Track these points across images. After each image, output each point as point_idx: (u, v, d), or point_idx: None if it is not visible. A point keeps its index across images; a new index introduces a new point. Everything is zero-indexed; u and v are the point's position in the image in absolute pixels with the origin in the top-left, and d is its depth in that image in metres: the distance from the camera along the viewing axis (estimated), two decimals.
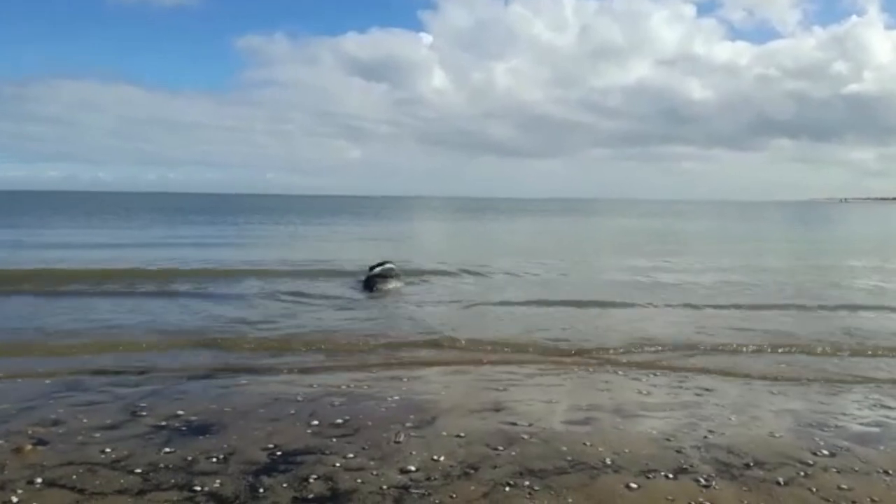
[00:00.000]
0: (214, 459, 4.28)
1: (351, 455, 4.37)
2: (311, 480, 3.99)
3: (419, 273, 14.29)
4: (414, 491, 3.88)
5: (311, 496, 3.81)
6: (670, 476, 4.13)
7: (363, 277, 12.83)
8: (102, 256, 16.95)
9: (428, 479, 4.04)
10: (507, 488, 3.93)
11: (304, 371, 6.58)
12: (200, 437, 4.69)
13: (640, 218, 58.98)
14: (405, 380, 6.31)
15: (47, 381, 6.03)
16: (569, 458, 4.37)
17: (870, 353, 7.72)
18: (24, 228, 31.44)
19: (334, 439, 4.66)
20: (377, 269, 12.98)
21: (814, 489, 3.99)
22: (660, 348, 7.73)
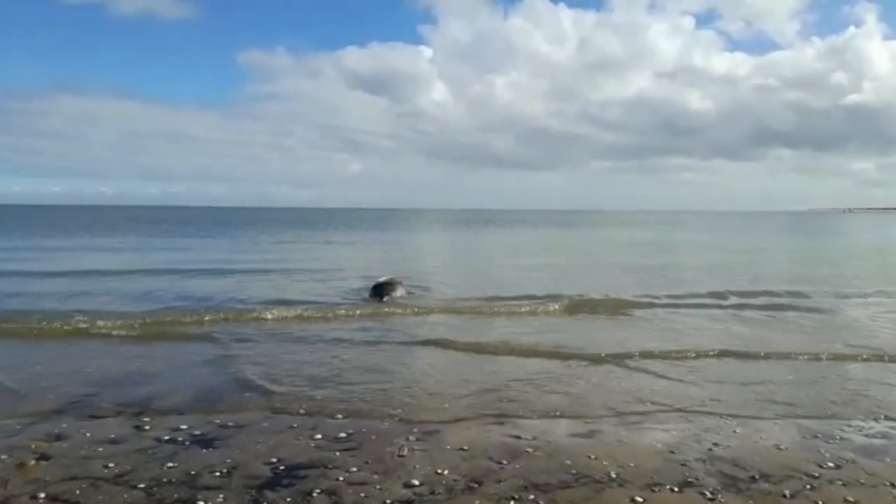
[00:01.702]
0: (218, 474, 4.27)
1: (354, 469, 4.36)
2: (315, 495, 3.97)
3: (425, 291, 14.19)
4: None
5: None
6: (676, 489, 4.11)
7: (369, 290, 12.93)
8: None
9: (432, 493, 4.02)
10: (512, 502, 3.91)
11: (308, 383, 6.56)
12: (204, 451, 4.68)
13: (644, 230, 58.17)
14: (409, 391, 6.29)
15: (50, 397, 6.02)
16: (573, 472, 4.35)
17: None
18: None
19: (337, 453, 4.65)
20: (382, 280, 13.10)
21: (820, 502, 3.97)
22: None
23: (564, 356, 7.84)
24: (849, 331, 9.89)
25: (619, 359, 7.63)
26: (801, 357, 7.87)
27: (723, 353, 7.99)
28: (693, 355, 7.88)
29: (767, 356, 7.92)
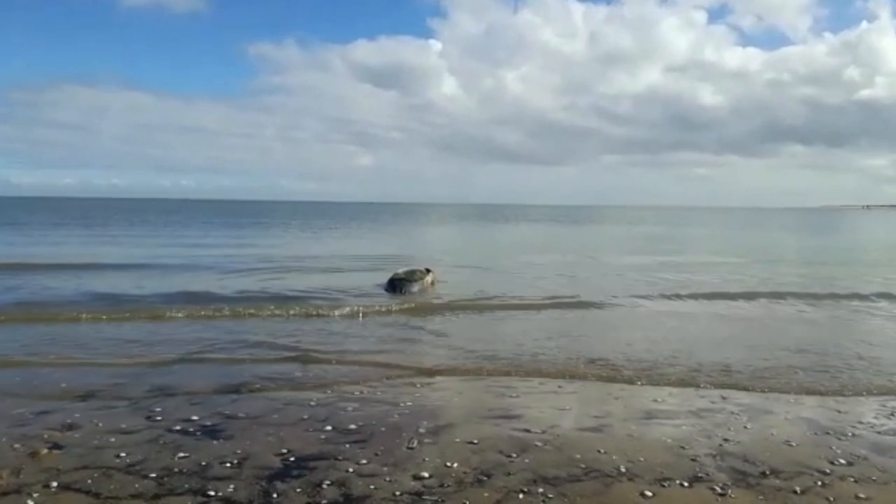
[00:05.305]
0: (228, 464, 4.29)
1: (364, 461, 4.37)
2: (325, 486, 3.99)
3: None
4: (427, 497, 3.87)
5: (324, 502, 3.80)
6: (685, 484, 4.10)
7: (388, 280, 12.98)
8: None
9: (441, 485, 4.03)
10: (521, 496, 3.91)
11: (318, 376, 6.59)
12: (214, 442, 4.71)
13: (675, 227, 53.02)
14: (418, 385, 6.30)
15: (63, 385, 6.08)
16: (583, 466, 4.35)
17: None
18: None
19: (347, 445, 4.66)
20: (402, 275, 12.97)
21: (831, 499, 3.94)
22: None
23: None
24: None
25: None
26: None
27: None
28: None
29: None
